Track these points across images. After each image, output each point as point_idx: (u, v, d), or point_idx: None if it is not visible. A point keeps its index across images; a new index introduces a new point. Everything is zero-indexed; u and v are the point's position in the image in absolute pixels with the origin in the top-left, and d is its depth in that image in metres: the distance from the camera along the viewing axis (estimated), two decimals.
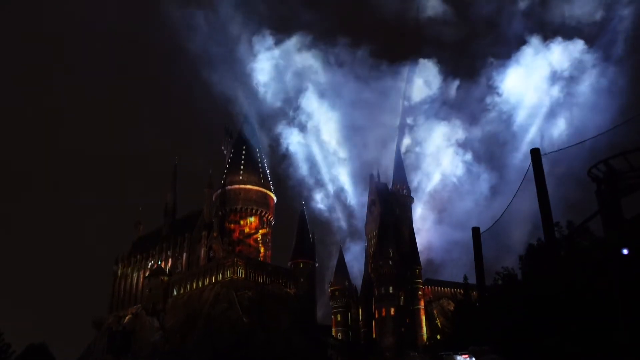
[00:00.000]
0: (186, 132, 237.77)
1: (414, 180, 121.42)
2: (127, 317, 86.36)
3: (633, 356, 15.48)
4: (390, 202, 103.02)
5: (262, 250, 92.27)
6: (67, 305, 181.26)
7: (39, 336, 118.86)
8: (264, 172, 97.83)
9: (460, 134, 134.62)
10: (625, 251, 16.62)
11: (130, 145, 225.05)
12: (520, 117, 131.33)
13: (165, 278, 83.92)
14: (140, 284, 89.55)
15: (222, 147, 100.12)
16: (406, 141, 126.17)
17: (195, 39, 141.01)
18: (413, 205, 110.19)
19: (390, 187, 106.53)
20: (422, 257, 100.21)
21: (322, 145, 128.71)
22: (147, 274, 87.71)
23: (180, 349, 72.18)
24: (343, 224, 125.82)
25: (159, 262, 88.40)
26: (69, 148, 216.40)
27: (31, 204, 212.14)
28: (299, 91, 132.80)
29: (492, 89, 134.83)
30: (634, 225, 20.11)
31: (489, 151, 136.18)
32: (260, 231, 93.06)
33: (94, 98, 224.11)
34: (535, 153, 22.21)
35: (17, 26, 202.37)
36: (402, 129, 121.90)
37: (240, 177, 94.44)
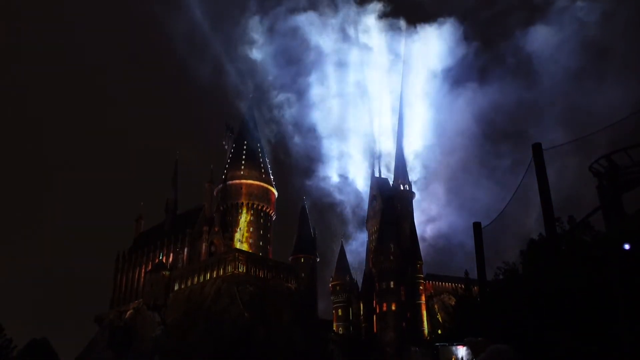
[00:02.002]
0: (187, 127, 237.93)
1: (430, 159, 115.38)
2: (128, 312, 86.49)
3: (633, 351, 15.47)
4: (391, 197, 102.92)
5: (263, 245, 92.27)
6: (69, 301, 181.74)
7: (40, 331, 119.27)
8: (265, 167, 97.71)
9: (481, 103, 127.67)
10: (626, 246, 16.57)
11: (132, 141, 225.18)
12: (547, 83, 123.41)
13: (167, 273, 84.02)
14: (142, 279, 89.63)
15: (223, 142, 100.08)
16: (422, 113, 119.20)
17: (192, 24, 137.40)
18: (429, 190, 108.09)
19: (391, 182, 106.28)
20: (439, 243, 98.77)
21: (325, 115, 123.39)
22: (148, 269, 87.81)
23: (181, 344, 72.29)
24: (347, 205, 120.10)
25: (160, 257, 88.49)
26: (71, 144, 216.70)
27: (33, 200, 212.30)
28: (301, 57, 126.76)
29: (516, 52, 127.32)
30: (636, 221, 20.08)
31: (512, 122, 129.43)
32: (261, 226, 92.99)
33: (92, 94, 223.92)
34: (536, 148, 22.17)
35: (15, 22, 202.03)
36: (402, 119, 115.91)
37: (242, 172, 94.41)
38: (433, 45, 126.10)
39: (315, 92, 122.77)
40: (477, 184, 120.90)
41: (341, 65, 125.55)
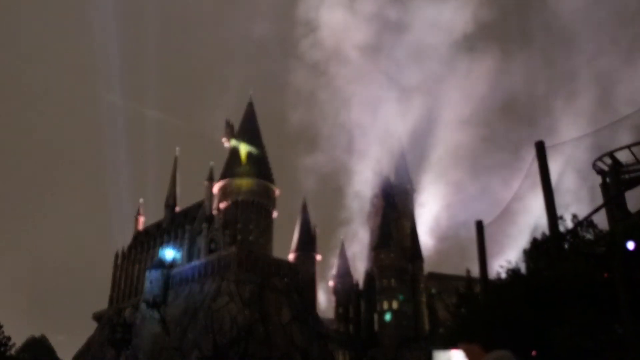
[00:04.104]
0: (187, 123, 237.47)
1: (434, 148, 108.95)
2: (127, 310, 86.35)
3: (635, 348, 15.25)
4: (392, 195, 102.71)
5: (263, 242, 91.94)
6: (68, 298, 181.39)
7: (39, 329, 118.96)
8: (266, 164, 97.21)
9: (500, 78, 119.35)
10: (629, 244, 16.30)
11: (131, 137, 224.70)
12: (576, 57, 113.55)
13: (166, 270, 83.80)
14: (141, 277, 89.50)
15: (223, 139, 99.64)
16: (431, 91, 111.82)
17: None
18: (432, 186, 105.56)
19: (392, 180, 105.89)
20: (441, 241, 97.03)
21: (329, 85, 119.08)
22: (147, 267, 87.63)
23: (181, 341, 72.18)
24: (348, 203, 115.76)
25: (160, 255, 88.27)
26: (71, 141, 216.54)
27: (31, 197, 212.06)
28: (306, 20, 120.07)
29: (544, 21, 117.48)
30: (639, 219, 19.83)
31: (531, 103, 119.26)
32: (261, 223, 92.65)
33: (93, 91, 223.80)
34: (539, 145, 21.90)
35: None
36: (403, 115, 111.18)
37: (242, 169, 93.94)
38: (451, 11, 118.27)
39: (321, 54, 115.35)
40: (487, 175, 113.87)
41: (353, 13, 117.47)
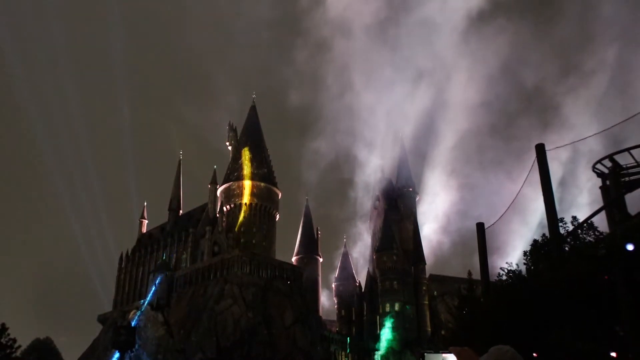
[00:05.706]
0: (191, 127, 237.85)
1: (436, 147, 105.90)
2: (131, 312, 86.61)
3: (635, 349, 15.50)
4: (394, 198, 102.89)
5: (266, 245, 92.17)
6: (73, 301, 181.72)
7: (44, 331, 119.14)
8: (269, 167, 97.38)
9: (509, 56, 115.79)
10: (629, 246, 16.57)
11: (135, 140, 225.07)
12: (600, 30, 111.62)
13: (170, 273, 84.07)
14: (145, 280, 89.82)
15: (227, 143, 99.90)
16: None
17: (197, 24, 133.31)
18: (434, 188, 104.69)
19: (394, 182, 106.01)
20: (443, 243, 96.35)
21: (334, 63, 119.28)
22: (151, 269, 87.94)
23: (184, 343, 72.42)
24: (351, 205, 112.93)
25: (164, 257, 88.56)
26: (74, 140, 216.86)
27: (35, 198, 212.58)
28: None
29: None
30: (639, 221, 20.09)
31: (541, 91, 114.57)
32: (264, 226, 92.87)
33: (95, 92, 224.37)
34: (539, 149, 22.20)
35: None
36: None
37: (245, 172, 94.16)
38: None
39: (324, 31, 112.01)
40: (494, 169, 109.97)
41: None
